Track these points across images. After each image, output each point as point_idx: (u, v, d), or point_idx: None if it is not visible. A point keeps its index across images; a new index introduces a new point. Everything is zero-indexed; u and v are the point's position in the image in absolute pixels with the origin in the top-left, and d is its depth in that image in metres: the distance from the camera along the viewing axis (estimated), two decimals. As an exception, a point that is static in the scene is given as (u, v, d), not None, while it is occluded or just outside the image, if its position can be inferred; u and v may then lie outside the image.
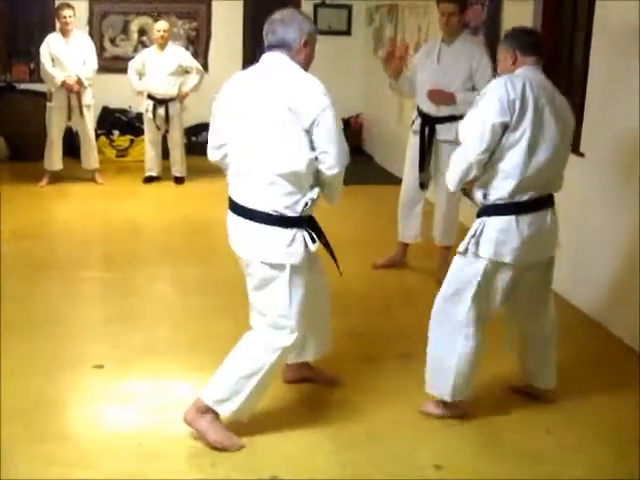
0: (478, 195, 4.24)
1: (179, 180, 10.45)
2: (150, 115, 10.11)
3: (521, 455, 4.17)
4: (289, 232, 3.95)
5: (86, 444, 4.16)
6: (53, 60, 9.81)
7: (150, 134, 10.33)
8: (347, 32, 12.79)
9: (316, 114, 3.83)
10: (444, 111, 6.54)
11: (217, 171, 10.88)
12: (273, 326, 4.09)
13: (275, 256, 3.97)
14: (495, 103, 4.02)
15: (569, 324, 5.11)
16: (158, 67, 9.98)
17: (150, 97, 10.10)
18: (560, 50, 6.88)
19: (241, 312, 5.85)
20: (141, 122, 10.85)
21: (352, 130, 12.71)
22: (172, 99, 10.13)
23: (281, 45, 4.05)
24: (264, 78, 4.04)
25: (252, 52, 12.83)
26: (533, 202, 4.19)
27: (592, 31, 6.04)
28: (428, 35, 9.59)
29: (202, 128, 12.28)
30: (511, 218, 4.15)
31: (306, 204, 3.95)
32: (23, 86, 11.87)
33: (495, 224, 4.16)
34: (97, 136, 10.85)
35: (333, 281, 6.62)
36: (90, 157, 10.26)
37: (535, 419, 4.52)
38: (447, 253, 6.76)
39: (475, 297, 4.26)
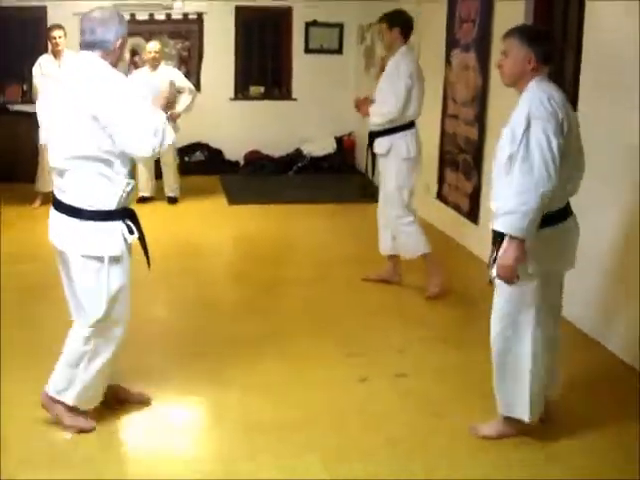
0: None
1: (172, 200, 10.45)
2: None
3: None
4: (106, 225, 4.13)
5: (79, 468, 4.12)
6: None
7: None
8: (339, 50, 12.83)
9: (109, 111, 3.95)
10: (374, 126, 6.83)
11: (211, 191, 10.99)
12: (87, 317, 4.30)
13: (94, 249, 4.14)
14: (553, 125, 3.87)
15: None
16: (151, 87, 9.96)
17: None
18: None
19: (235, 332, 5.91)
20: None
21: (345, 148, 12.76)
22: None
23: (98, 45, 4.10)
24: (72, 80, 4.12)
25: (244, 71, 12.91)
26: (565, 208, 4.17)
27: (582, 47, 6.07)
28: (419, 53, 9.61)
29: (195, 148, 12.33)
30: (552, 229, 4.08)
31: (121, 197, 4.13)
32: (16, 107, 11.88)
33: (542, 236, 4.01)
34: (89, 157, 10.83)
35: (325, 299, 6.69)
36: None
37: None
38: (429, 262, 6.83)
39: (537, 316, 4.18)
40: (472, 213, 7.92)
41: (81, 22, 4.14)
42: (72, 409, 4.40)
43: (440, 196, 8.95)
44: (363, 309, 6.52)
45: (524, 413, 4.31)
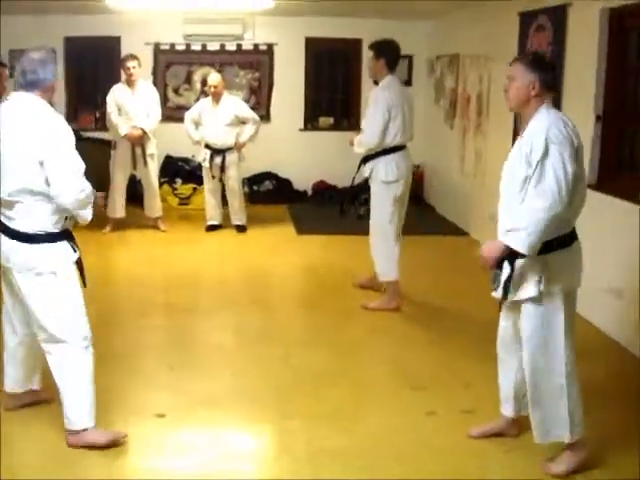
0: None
1: (241, 228, 10.51)
2: (207, 164, 10.22)
3: None
4: (51, 245, 4.42)
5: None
6: (119, 109, 9.98)
7: (209, 183, 10.42)
8: (408, 82, 12.77)
9: (50, 154, 4.22)
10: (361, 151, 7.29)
11: (279, 220, 11.02)
12: (49, 336, 4.51)
13: (45, 267, 4.41)
14: (569, 151, 4.00)
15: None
16: (214, 118, 10.05)
17: (207, 147, 10.22)
18: (625, 101, 6.84)
19: (301, 362, 5.91)
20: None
21: (412, 180, 12.66)
22: (229, 149, 10.19)
23: (36, 85, 4.33)
24: (16, 120, 4.30)
25: (313, 102, 12.98)
26: (574, 230, 4.25)
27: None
28: (490, 85, 9.58)
29: (264, 177, 12.38)
30: (569, 248, 4.19)
31: (65, 219, 4.48)
32: (88, 134, 12.09)
33: (559, 257, 4.14)
34: (160, 184, 10.94)
35: (392, 330, 6.66)
36: (153, 205, 10.38)
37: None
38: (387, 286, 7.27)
39: (566, 334, 4.21)
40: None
41: (21, 62, 4.37)
42: (93, 430, 4.55)
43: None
44: (429, 341, 6.48)
45: (563, 433, 4.29)
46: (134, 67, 9.88)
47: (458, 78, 10.98)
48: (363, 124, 7.23)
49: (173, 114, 12.20)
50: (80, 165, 4.38)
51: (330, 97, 13.21)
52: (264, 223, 10.76)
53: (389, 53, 7.09)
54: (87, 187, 4.40)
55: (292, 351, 6.16)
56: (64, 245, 4.48)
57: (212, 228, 10.47)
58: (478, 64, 9.95)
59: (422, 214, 11.73)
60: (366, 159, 7.25)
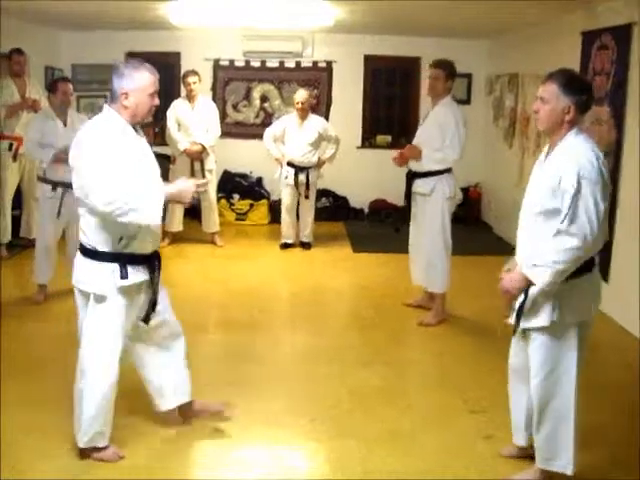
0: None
1: (307, 245, 10.55)
2: (291, 182, 10.23)
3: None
4: (98, 264, 4.28)
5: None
6: (178, 125, 10.06)
7: (287, 200, 10.45)
8: (467, 101, 12.74)
9: (79, 163, 4.17)
10: (419, 167, 7.34)
11: (336, 237, 11.00)
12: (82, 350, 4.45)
13: (82, 283, 4.35)
14: (600, 188, 3.89)
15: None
16: (300, 136, 10.10)
17: (290, 164, 10.24)
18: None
19: (357, 381, 5.89)
20: (261, 187, 10.95)
21: (470, 199, 12.58)
22: (312, 167, 10.25)
23: (113, 96, 4.33)
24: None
25: (371, 120, 12.97)
26: (591, 258, 4.15)
27: None
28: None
29: (320, 194, 12.38)
30: (585, 278, 4.10)
31: (120, 240, 4.26)
32: (147, 149, 12.20)
33: (574, 287, 4.06)
34: (218, 199, 10.99)
35: (449, 352, 6.60)
36: (210, 220, 10.44)
37: None
38: (439, 298, 7.47)
39: (577, 363, 4.16)
40: (602, 270, 7.71)
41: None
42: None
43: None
44: (486, 362, 6.40)
45: (567, 466, 4.24)
46: (195, 83, 9.97)
47: (517, 97, 10.91)
48: (432, 140, 7.30)
49: (232, 130, 12.31)
50: (107, 176, 4.10)
51: (388, 115, 13.20)
52: (320, 240, 10.74)
53: (455, 74, 7.30)
54: (120, 198, 4.07)
55: (348, 370, 6.14)
56: (107, 267, 4.26)
57: (286, 246, 10.50)
58: (538, 84, 9.81)
59: (479, 234, 11.66)
60: (419, 175, 7.37)
